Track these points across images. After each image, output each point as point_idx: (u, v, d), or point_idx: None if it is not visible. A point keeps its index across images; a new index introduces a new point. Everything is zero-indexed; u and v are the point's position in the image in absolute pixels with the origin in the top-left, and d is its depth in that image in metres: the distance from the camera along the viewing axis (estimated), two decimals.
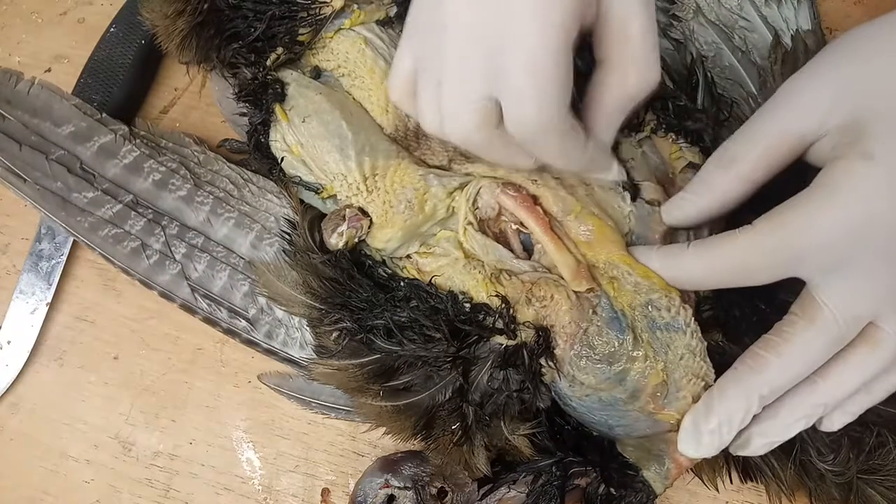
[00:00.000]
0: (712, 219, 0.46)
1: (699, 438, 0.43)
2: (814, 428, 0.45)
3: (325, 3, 0.52)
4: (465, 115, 0.40)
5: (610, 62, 0.42)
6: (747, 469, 0.49)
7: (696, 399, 0.44)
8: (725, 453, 0.46)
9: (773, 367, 0.41)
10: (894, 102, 0.38)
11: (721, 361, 0.45)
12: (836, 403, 0.43)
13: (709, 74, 0.54)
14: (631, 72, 0.42)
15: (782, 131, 0.41)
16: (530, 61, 0.37)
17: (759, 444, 0.44)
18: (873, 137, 0.38)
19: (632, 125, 0.51)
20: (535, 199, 0.48)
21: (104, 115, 0.56)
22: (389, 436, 0.49)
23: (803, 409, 0.43)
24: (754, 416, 0.43)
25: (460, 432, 0.47)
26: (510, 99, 0.39)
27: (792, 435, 0.44)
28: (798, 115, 0.41)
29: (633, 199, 0.48)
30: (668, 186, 0.50)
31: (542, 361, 0.46)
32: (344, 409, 0.51)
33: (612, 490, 0.47)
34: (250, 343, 0.53)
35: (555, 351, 0.46)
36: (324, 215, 0.52)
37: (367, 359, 0.48)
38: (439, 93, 0.41)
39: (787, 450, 0.47)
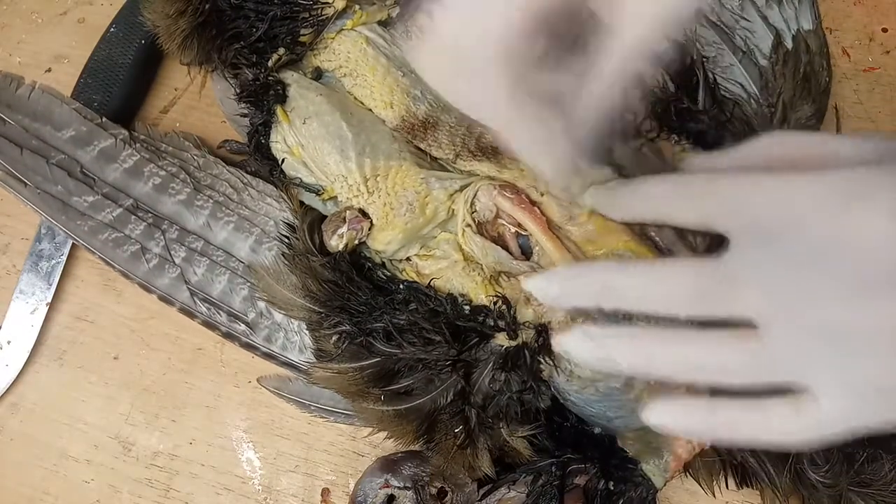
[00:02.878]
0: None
1: (539, 282, 0.40)
2: None
3: (327, 3, 0.52)
4: None
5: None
6: (744, 475, 0.49)
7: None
8: (722, 458, 0.46)
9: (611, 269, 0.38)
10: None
11: None
12: (668, 372, 0.37)
13: (710, 75, 0.53)
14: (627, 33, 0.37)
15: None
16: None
17: (575, 339, 0.38)
18: None
19: (628, 133, 0.51)
20: (534, 203, 0.48)
21: (104, 119, 0.56)
22: (391, 440, 0.49)
23: (634, 343, 0.37)
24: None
25: (463, 435, 0.47)
26: None
27: (613, 358, 0.37)
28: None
29: None
30: None
31: (541, 359, 0.46)
32: (344, 413, 0.51)
33: (611, 485, 0.47)
34: (249, 347, 0.53)
35: (552, 347, 0.46)
36: (324, 217, 0.52)
37: (366, 362, 0.48)
38: None
39: (782, 457, 0.47)
